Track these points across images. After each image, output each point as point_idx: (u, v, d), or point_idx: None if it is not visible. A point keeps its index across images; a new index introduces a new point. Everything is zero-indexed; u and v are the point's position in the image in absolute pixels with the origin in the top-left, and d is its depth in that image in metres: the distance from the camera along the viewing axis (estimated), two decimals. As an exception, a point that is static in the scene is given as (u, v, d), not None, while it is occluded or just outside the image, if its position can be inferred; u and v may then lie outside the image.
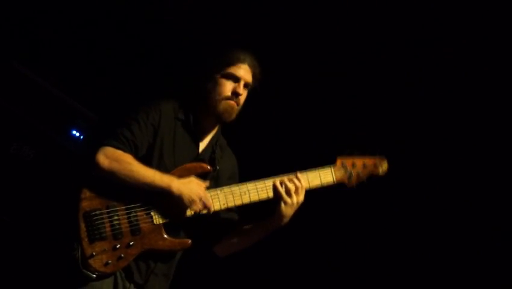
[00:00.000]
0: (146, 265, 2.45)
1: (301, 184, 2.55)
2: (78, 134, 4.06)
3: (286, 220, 2.55)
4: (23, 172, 3.70)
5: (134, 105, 2.59)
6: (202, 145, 2.65)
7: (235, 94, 2.57)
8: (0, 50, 3.75)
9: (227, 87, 2.57)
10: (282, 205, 2.52)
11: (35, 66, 3.86)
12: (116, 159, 2.38)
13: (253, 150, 3.17)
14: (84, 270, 2.32)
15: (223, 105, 2.57)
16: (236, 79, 2.58)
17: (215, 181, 2.60)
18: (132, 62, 4.03)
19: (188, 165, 2.53)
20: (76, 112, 4.07)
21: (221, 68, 2.59)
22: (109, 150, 2.40)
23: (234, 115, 2.61)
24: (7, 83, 3.77)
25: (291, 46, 3.48)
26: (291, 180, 2.55)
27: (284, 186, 2.54)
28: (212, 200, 2.48)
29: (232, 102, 2.57)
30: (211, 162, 2.61)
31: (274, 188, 2.54)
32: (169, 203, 2.42)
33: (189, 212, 2.46)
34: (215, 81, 2.59)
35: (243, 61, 2.61)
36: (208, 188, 2.49)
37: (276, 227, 2.57)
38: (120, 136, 2.44)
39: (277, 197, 2.53)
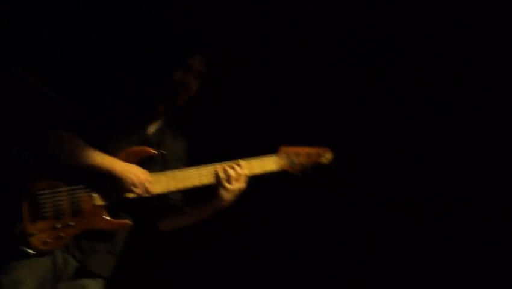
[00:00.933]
0: (86, 243, 2.53)
1: (242, 171, 2.63)
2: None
3: (225, 204, 2.65)
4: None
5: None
6: (151, 128, 2.71)
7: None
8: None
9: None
10: (222, 190, 2.61)
11: (35, 70, 3.88)
12: (62, 140, 2.47)
13: (202, 137, 3.21)
14: (23, 247, 2.40)
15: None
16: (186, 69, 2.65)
17: (163, 163, 2.67)
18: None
19: (134, 148, 2.59)
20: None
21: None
22: (57, 131, 2.48)
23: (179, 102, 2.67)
24: (7, 89, 3.81)
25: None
26: (232, 167, 2.63)
27: (225, 172, 2.62)
28: (154, 184, 2.55)
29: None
30: (158, 146, 2.67)
31: (216, 174, 2.62)
32: (112, 185, 2.50)
33: (130, 195, 2.53)
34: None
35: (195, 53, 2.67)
36: (154, 170, 2.57)
37: (216, 210, 2.68)
38: (68, 118, 2.51)
39: (218, 183, 2.62)
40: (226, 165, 2.64)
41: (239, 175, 2.62)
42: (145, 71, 2.76)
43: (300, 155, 2.78)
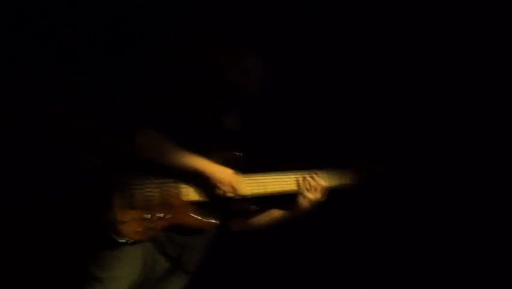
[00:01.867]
0: (180, 238, 2.53)
1: (322, 183, 2.71)
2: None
3: (301, 213, 2.71)
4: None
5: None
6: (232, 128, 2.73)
7: None
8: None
9: None
10: (301, 198, 2.68)
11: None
12: (150, 138, 2.47)
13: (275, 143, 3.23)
14: (114, 236, 2.37)
15: None
16: None
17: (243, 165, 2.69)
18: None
19: (220, 150, 2.61)
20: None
21: None
22: (145, 130, 2.48)
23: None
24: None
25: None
26: (312, 177, 2.71)
27: (306, 181, 2.70)
28: (240, 185, 2.58)
29: None
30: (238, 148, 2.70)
31: (297, 182, 2.70)
32: (199, 183, 2.52)
33: (218, 194, 2.54)
34: None
35: None
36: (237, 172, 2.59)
37: (291, 218, 2.74)
38: (160, 118, 2.53)
39: (298, 191, 2.69)
40: (306, 174, 2.72)
41: (319, 186, 2.70)
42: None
43: (366, 169, 2.87)
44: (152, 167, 2.47)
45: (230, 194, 2.57)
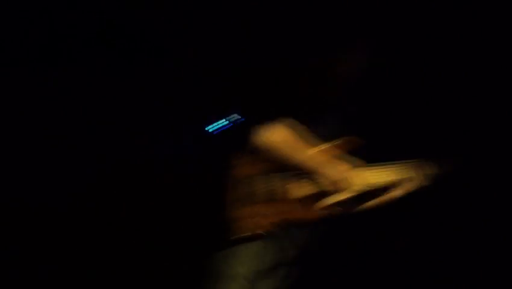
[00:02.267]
0: (299, 233, 2.59)
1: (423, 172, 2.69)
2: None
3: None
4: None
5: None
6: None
7: None
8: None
9: None
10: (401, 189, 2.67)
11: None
12: (281, 134, 2.54)
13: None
14: (236, 232, 2.45)
15: None
16: None
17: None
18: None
19: (337, 142, 2.63)
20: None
21: None
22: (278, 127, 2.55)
23: None
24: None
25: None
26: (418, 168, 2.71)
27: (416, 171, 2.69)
28: (354, 178, 2.59)
29: None
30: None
31: (405, 172, 2.68)
32: (314, 178, 2.56)
33: (330, 189, 2.57)
34: None
35: None
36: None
37: None
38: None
39: (401, 182, 2.67)
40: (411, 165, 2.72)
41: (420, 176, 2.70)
42: None
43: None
44: (270, 161, 2.53)
45: (345, 190, 2.59)
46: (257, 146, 2.53)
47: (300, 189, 2.58)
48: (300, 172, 2.57)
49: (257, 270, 2.51)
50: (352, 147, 2.65)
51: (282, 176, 2.56)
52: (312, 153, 2.56)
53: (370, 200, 2.75)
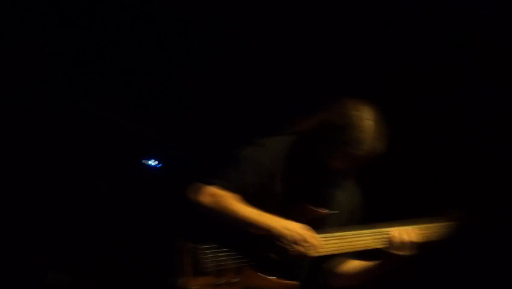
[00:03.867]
0: None
1: (417, 239, 2.42)
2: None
3: (392, 269, 2.48)
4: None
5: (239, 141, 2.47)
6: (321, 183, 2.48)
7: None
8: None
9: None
10: (392, 255, 2.42)
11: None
12: (220, 198, 2.31)
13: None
14: None
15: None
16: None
17: (336, 219, 2.48)
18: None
19: (304, 207, 2.39)
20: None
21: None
22: (213, 189, 2.32)
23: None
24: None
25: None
26: (408, 233, 2.41)
27: (400, 238, 2.40)
28: (322, 243, 2.34)
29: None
30: (328, 202, 2.46)
31: (390, 239, 2.40)
32: (274, 244, 2.31)
33: (293, 254, 2.30)
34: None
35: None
36: (325, 227, 2.38)
37: (382, 272, 2.51)
38: (226, 176, 2.35)
39: (390, 248, 2.41)
40: (402, 230, 2.42)
41: (413, 243, 2.41)
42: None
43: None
44: (222, 228, 2.32)
45: (308, 254, 2.32)
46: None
47: (263, 257, 2.34)
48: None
49: None
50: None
51: (239, 244, 2.34)
52: (267, 218, 2.31)
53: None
